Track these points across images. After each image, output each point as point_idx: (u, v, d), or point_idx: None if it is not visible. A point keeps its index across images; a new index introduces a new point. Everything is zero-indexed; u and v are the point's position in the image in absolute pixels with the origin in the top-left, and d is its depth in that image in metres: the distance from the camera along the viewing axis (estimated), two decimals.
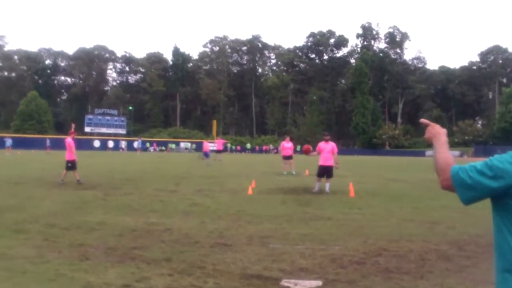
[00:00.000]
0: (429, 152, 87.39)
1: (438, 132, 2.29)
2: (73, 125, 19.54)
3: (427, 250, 7.19)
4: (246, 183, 17.07)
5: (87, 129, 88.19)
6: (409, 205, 12.52)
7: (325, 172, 15.59)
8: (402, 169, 33.02)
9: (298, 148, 58.63)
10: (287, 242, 7.58)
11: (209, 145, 34.99)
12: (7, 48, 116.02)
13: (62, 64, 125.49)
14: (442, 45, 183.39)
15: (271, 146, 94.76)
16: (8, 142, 53.38)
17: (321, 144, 15.90)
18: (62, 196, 13.10)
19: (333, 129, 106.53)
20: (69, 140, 17.73)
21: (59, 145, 64.09)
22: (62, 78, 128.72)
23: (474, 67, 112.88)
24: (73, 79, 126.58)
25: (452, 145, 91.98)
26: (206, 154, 34.69)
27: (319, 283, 5.39)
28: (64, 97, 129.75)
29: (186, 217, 9.94)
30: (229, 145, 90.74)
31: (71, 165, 17.27)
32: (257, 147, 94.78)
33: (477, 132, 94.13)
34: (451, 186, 2.08)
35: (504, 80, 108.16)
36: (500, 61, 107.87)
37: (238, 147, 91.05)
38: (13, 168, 25.24)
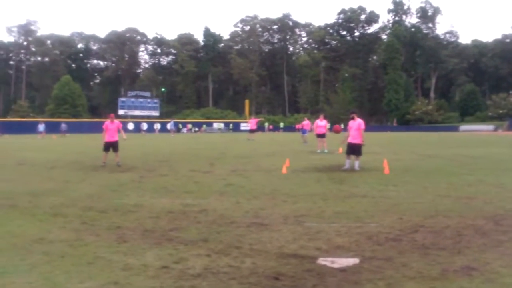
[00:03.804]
0: (462, 127, 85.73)
1: None
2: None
3: (463, 225, 7.08)
4: (280, 162, 17.02)
5: (121, 112, 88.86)
6: (444, 180, 12.29)
7: (352, 150, 15.50)
8: (436, 145, 32.52)
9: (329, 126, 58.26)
10: (322, 220, 7.51)
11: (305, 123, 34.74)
12: (39, 33, 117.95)
13: (94, 48, 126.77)
14: (475, 19, 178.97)
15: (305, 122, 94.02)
16: (41, 127, 54.19)
17: (350, 123, 15.85)
18: (98, 179, 13.24)
19: (366, 106, 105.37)
20: (117, 122, 18.25)
21: (93, 128, 65.14)
22: (95, 61, 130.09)
23: (508, 40, 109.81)
24: (105, 62, 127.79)
25: (486, 119, 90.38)
26: (304, 131, 34.51)
27: (356, 260, 5.33)
28: (97, 81, 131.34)
29: (221, 197, 9.93)
30: (266, 124, 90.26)
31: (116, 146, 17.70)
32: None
33: (511, 105, 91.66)
34: None
35: None
36: None
37: (271, 126, 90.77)
38: (48, 152, 25.70)
